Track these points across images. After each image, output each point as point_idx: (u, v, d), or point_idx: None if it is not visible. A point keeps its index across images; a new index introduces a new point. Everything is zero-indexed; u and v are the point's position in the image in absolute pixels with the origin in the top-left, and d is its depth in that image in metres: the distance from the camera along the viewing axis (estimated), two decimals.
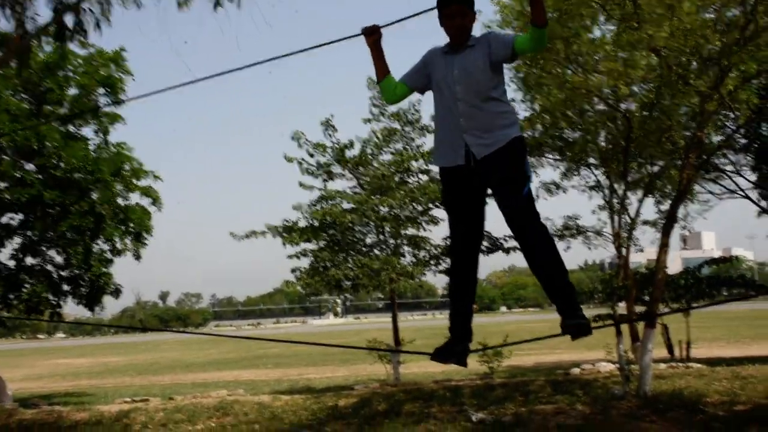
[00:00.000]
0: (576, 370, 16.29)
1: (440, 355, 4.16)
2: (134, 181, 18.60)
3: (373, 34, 4.10)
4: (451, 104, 3.97)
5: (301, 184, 16.83)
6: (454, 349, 4.16)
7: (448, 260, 16.82)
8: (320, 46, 4.65)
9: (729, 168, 21.82)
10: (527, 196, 3.99)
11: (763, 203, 21.53)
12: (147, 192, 18.78)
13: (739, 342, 27.85)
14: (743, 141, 20.37)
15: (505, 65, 4.12)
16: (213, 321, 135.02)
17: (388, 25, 4.15)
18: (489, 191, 4.15)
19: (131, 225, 18.32)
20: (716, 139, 17.64)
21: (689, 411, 11.17)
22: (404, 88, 4.21)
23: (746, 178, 21.80)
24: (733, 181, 22.10)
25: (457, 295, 4.22)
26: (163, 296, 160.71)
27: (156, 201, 18.86)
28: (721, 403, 11.62)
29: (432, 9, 4.02)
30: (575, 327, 3.89)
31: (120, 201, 18.33)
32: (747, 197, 21.94)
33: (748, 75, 13.11)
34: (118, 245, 18.31)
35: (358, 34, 4.11)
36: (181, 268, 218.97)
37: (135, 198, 18.80)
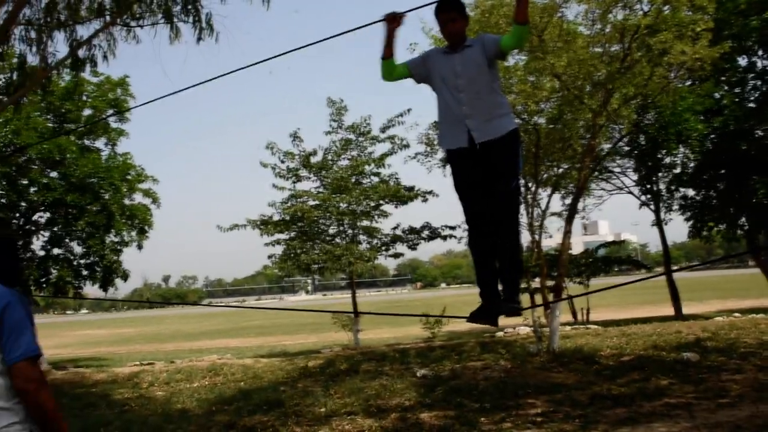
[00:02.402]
0: (500, 333, 16.49)
1: (476, 316, 4.06)
2: (137, 184, 18.74)
3: (393, 21, 3.87)
4: (454, 94, 3.84)
5: (274, 186, 16.81)
6: (489, 311, 4.03)
7: (399, 245, 16.99)
8: (335, 36, 4.30)
9: (617, 170, 22.32)
10: (515, 189, 3.93)
11: (643, 198, 22.05)
12: (148, 193, 18.91)
13: (628, 307, 28.40)
14: (626, 148, 20.83)
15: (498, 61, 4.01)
16: (206, 299, 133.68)
17: (408, 11, 3.90)
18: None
19: (136, 221, 18.49)
20: (606, 146, 17.97)
21: (587, 362, 11.36)
22: (405, 70, 4.03)
23: (630, 178, 22.31)
24: (620, 180, 22.61)
25: (481, 266, 4.05)
26: (166, 279, 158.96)
27: (155, 200, 18.99)
28: (611, 355, 11.85)
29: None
30: (510, 309, 4.02)
31: (126, 201, 18.45)
32: (631, 193, 22.44)
33: (628, 96, 13.39)
34: (126, 238, 18.52)
35: (382, 20, 3.87)
36: (180, 254, 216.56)
37: (138, 198, 18.97)
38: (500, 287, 4.01)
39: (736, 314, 16.92)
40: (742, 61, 19.76)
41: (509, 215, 3.92)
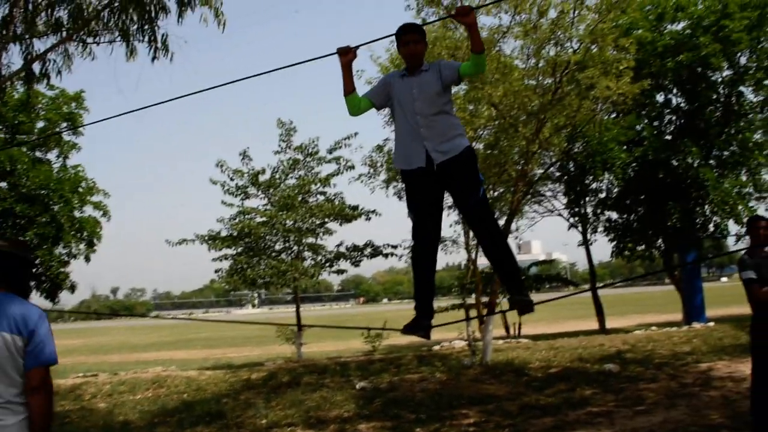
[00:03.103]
0: (437, 347, 16.54)
1: (410, 329, 4.03)
2: (88, 197, 18.22)
3: (347, 54, 3.88)
4: (410, 117, 3.82)
5: (223, 202, 16.57)
6: (421, 324, 4.01)
7: (342, 262, 16.92)
8: (296, 64, 4.32)
9: (548, 193, 22.87)
10: (483, 197, 3.89)
11: (571, 220, 22.64)
12: (98, 206, 18.40)
13: (557, 322, 28.90)
14: (557, 174, 21.38)
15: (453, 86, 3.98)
16: (154, 311, 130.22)
17: (359, 45, 3.92)
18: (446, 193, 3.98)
19: (85, 233, 17.93)
20: (538, 172, 18.40)
21: (518, 374, 11.50)
22: (368, 103, 4.02)
23: (560, 201, 22.88)
24: (551, 203, 23.17)
25: (420, 281, 4.02)
26: (114, 290, 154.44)
27: (106, 213, 18.48)
28: (540, 367, 12.03)
29: (390, 35, 3.91)
30: (522, 303, 3.82)
31: (76, 213, 17.89)
32: (561, 215, 23.02)
33: (558, 126, 13.78)
34: (74, 250, 17.92)
35: (333, 53, 3.86)
36: (129, 267, 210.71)
37: (89, 211, 18.43)
38: (507, 288, 3.98)
39: (653, 328, 17.45)
40: (660, 98, 20.66)
41: (488, 221, 3.90)
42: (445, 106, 3.87)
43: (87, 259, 18.10)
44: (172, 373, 14.03)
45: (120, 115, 5.11)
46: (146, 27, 9.41)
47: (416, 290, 4.06)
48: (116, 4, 9.30)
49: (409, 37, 3.88)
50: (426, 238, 3.95)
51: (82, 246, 18.07)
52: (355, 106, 4.01)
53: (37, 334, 3.00)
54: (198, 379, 12.90)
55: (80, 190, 17.95)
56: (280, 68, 4.46)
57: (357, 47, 3.88)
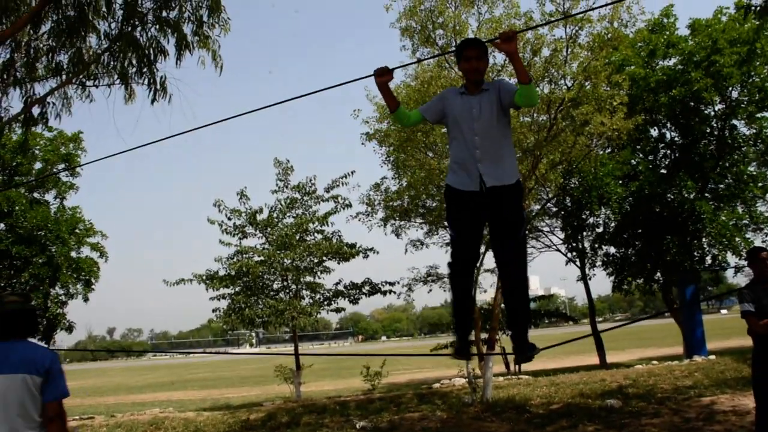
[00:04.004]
0: (437, 385, 16.42)
1: (458, 354, 4.03)
2: (86, 238, 18.26)
3: (383, 76, 3.79)
4: (469, 137, 3.71)
5: (221, 242, 16.59)
6: (466, 349, 4.00)
7: (341, 300, 16.92)
8: (330, 88, 4.39)
9: (545, 229, 22.96)
10: (523, 238, 3.79)
11: (569, 255, 22.68)
12: (96, 247, 18.40)
13: (557, 357, 28.71)
14: (554, 209, 21.52)
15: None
16: (151, 352, 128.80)
17: (396, 68, 3.90)
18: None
19: (82, 274, 17.91)
20: (535, 207, 18.52)
21: (519, 411, 11.40)
22: (419, 116, 3.96)
23: (557, 236, 22.96)
24: (549, 239, 23.23)
25: (459, 306, 3.92)
26: (110, 331, 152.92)
27: (103, 254, 18.47)
28: (541, 403, 11.92)
29: (438, 55, 3.91)
30: (524, 357, 3.91)
31: (73, 254, 17.89)
32: (558, 250, 23.05)
33: (554, 162, 13.95)
34: (71, 290, 17.91)
35: (371, 75, 3.82)
36: (126, 308, 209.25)
37: (86, 251, 18.43)
38: (512, 334, 3.94)
39: (654, 362, 17.36)
40: (654, 132, 20.95)
41: (520, 263, 3.79)
42: (504, 129, 3.78)
43: (85, 299, 18.12)
44: (170, 415, 13.88)
45: (118, 153, 5.19)
46: (145, 70, 9.58)
47: (456, 313, 3.96)
48: (116, 48, 9.49)
49: (470, 52, 3.77)
50: (466, 257, 3.85)
51: (79, 286, 18.09)
52: (405, 117, 3.97)
53: (52, 372, 3.58)
54: (196, 421, 12.77)
55: (77, 231, 18.03)
56: (271, 105, 4.56)
57: (394, 69, 3.86)
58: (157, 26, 9.40)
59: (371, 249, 16.63)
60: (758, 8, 8.78)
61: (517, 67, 3.57)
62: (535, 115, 13.05)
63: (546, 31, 12.16)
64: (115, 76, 9.69)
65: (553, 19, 11.91)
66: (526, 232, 4.00)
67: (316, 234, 16.90)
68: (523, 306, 3.86)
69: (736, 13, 18.18)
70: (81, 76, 9.80)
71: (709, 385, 12.23)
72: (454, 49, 3.93)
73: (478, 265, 14.97)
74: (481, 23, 11.92)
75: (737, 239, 19.13)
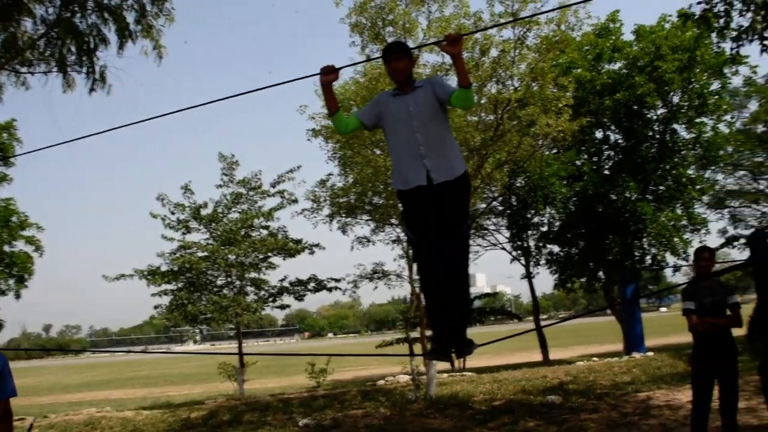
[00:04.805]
0: (382, 382, 16.49)
1: (432, 354, 4.00)
2: (20, 231, 17.52)
3: (329, 74, 3.75)
4: (409, 135, 3.72)
5: (163, 236, 16.25)
6: (442, 349, 3.93)
7: (286, 297, 16.81)
8: (274, 86, 4.26)
9: (491, 227, 23.32)
10: (466, 233, 3.82)
11: (514, 253, 23.10)
12: (31, 240, 17.69)
13: (501, 354, 29.11)
14: (500, 208, 21.88)
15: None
16: (89, 350, 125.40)
17: (343, 67, 3.85)
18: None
19: (15, 269, 17.18)
20: (481, 206, 18.77)
21: (462, 408, 11.54)
22: (357, 122, 3.93)
23: (503, 235, 23.34)
24: (495, 237, 23.60)
25: (433, 305, 3.89)
26: (46, 328, 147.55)
27: (38, 248, 17.79)
28: (484, 400, 12.10)
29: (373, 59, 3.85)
30: (468, 351, 3.92)
31: (6, 248, 17.17)
32: (504, 249, 23.44)
33: (500, 161, 14.18)
34: (2, 286, 17.13)
35: (317, 74, 3.76)
36: (64, 304, 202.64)
37: (20, 245, 17.67)
38: (451, 330, 3.86)
39: (595, 358, 17.84)
40: (599, 134, 21.52)
41: (462, 258, 3.82)
42: (443, 123, 3.81)
43: (17, 295, 17.40)
44: (107, 414, 13.55)
45: (54, 145, 5.01)
46: (84, 58, 9.31)
47: (431, 314, 3.96)
48: (54, 34, 9.19)
49: (392, 56, 3.85)
50: (431, 258, 3.83)
51: (11, 282, 17.37)
52: (343, 124, 3.94)
53: (3, 373, 3.77)
54: (134, 420, 12.51)
55: (11, 223, 17.30)
56: (215, 101, 4.51)
57: (340, 68, 3.82)
58: (98, 13, 9.14)
59: (317, 245, 16.57)
60: (697, 17, 9.12)
61: (460, 70, 3.62)
62: (482, 114, 13.23)
63: (495, 32, 12.33)
64: (53, 64, 9.38)
65: (502, 21, 12.08)
66: (470, 226, 3.96)
67: (261, 230, 16.74)
68: (465, 303, 3.90)
69: (679, 21, 18.81)
70: (14, 62, 9.46)
71: (646, 381, 12.64)
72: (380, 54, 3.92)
73: None
74: (430, 22, 12.01)
75: (676, 239, 19.85)
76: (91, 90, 9.31)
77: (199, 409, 13.30)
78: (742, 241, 23.73)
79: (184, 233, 16.38)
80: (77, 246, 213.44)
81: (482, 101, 13.12)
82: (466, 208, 3.85)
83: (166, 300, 16.03)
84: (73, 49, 9.15)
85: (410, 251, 15.15)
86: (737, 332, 6.33)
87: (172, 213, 16.21)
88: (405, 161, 3.77)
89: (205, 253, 15.84)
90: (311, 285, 16.58)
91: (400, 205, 3.95)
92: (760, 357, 5.74)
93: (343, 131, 4.02)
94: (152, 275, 15.74)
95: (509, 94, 12.75)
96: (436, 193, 3.70)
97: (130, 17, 9.25)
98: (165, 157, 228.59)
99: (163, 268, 16.00)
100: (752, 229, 24.27)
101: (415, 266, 14.80)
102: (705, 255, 6.25)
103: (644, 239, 20.45)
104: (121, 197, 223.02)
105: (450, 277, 3.80)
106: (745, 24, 8.82)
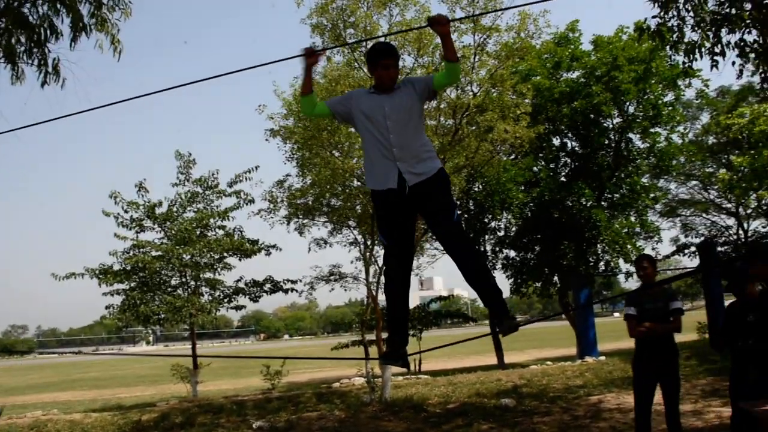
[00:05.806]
0: (337, 384, 16.45)
1: (387, 358, 3.95)
2: None
3: (312, 56, 3.80)
4: (382, 137, 3.69)
5: (116, 235, 15.93)
6: (398, 353, 3.88)
7: (241, 298, 16.65)
8: (248, 69, 4.20)
9: None
10: (457, 221, 3.81)
11: None
12: None
13: (456, 357, 29.41)
14: (457, 212, 22.07)
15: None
16: (38, 349, 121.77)
17: (326, 48, 3.86)
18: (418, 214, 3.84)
19: None
20: None
21: (416, 411, 11.60)
22: (325, 109, 3.93)
23: None
24: None
25: (394, 307, 3.89)
26: None
27: None
28: (439, 403, 12.18)
29: (357, 42, 3.81)
30: (511, 326, 3.78)
31: None
32: None
33: (458, 166, 14.31)
34: None
35: (300, 55, 3.78)
36: (9, 303, 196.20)
37: None
38: (493, 309, 3.86)
39: (549, 362, 18.11)
40: (556, 142, 21.92)
41: (466, 242, 3.82)
42: (418, 124, 3.82)
43: None
44: (54, 417, 13.20)
45: (2, 133, 4.90)
46: (35, 50, 9.05)
47: (390, 318, 3.97)
48: (0, 24, 8.92)
49: (388, 61, 3.77)
50: (398, 263, 3.84)
51: None
52: (311, 105, 3.93)
53: None
54: (83, 423, 12.22)
55: None
56: (170, 88, 4.46)
57: (323, 50, 3.86)
58: (50, 3, 8.90)
59: (273, 246, 16.47)
60: (652, 31, 9.38)
61: (449, 45, 3.68)
62: (440, 119, 13.35)
63: (455, 38, 12.45)
64: (0, 54, 9.09)
65: (462, 21, 12.20)
66: (460, 215, 3.99)
67: (217, 229, 16.57)
68: (488, 279, 3.85)
69: (635, 33, 19.29)
70: None
71: (598, 385, 12.90)
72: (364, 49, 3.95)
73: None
74: (391, 25, 12.06)
75: (629, 246, 20.32)
76: (44, 83, 9.04)
77: (151, 412, 13.08)
78: (693, 249, 24.47)
79: (137, 232, 16.11)
80: (28, 242, 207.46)
81: (441, 105, 13.24)
82: (450, 198, 3.82)
83: (118, 300, 15.73)
84: (22, 39, 8.90)
85: (367, 254, 15.21)
86: (688, 338, 6.53)
87: (126, 211, 15.93)
88: (377, 162, 3.75)
89: (159, 253, 15.60)
90: (267, 286, 16.47)
91: (372, 206, 3.99)
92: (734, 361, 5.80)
93: (308, 113, 4.04)
94: (104, 274, 15.43)
95: (468, 100, 12.90)
96: (410, 196, 3.69)
97: (84, 9, 9.02)
98: (123, 153, 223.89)
99: (116, 268, 15.71)
100: (702, 238, 25.05)
101: (372, 269, 14.88)
102: (644, 263, 6.44)
103: (598, 245, 20.87)
104: (71, 194, 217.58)
105: (469, 262, 3.77)
106: (696, 39, 9.10)
